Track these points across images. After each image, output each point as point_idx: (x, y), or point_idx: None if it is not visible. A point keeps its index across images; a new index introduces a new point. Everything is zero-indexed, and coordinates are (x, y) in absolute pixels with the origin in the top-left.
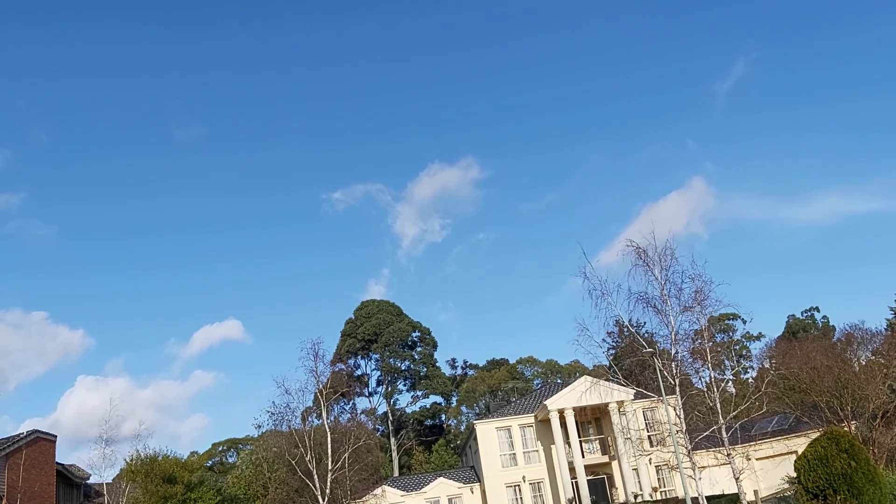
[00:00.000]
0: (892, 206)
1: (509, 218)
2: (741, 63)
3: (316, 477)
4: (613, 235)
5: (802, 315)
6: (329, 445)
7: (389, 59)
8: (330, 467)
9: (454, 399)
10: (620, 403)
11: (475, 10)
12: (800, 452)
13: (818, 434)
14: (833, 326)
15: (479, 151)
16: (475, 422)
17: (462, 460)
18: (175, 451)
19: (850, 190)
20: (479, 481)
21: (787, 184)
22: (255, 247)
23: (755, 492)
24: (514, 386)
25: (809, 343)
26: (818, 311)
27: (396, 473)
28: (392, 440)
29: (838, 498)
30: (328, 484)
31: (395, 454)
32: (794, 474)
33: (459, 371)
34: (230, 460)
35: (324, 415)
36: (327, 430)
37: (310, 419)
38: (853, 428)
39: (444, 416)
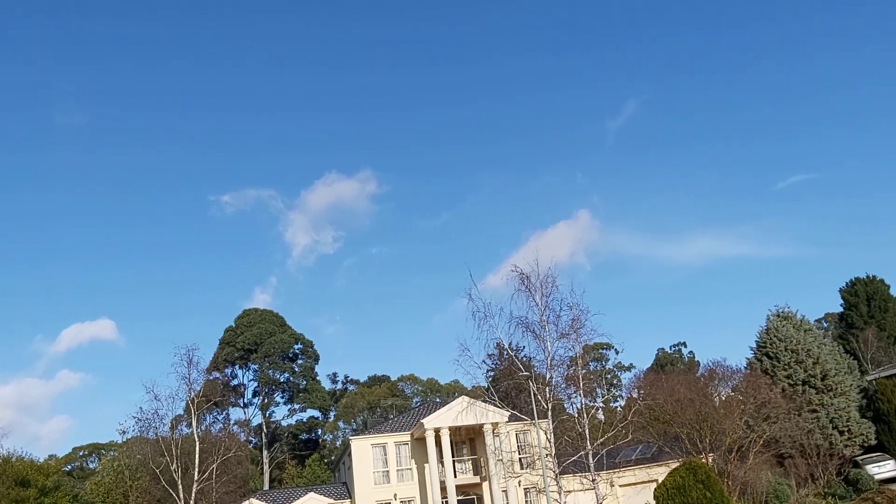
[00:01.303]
0: (757, 251)
1: (404, 235)
2: (633, 103)
3: (181, 487)
4: (502, 259)
5: (671, 349)
6: (197, 455)
7: (292, 63)
8: (196, 478)
9: (332, 414)
10: (495, 425)
11: (391, 29)
12: (660, 481)
13: (678, 464)
14: (698, 361)
15: (378, 166)
16: (351, 437)
17: (335, 476)
18: (32, 453)
19: (721, 233)
20: (351, 498)
21: (666, 223)
22: (135, 245)
23: None
24: (393, 403)
25: (675, 376)
26: (685, 346)
27: (267, 487)
28: (265, 453)
29: None
30: (192, 495)
31: (266, 467)
32: (654, 502)
33: (340, 386)
34: (91, 466)
35: (194, 424)
36: (196, 439)
37: (179, 427)
38: (710, 460)
39: (320, 431)
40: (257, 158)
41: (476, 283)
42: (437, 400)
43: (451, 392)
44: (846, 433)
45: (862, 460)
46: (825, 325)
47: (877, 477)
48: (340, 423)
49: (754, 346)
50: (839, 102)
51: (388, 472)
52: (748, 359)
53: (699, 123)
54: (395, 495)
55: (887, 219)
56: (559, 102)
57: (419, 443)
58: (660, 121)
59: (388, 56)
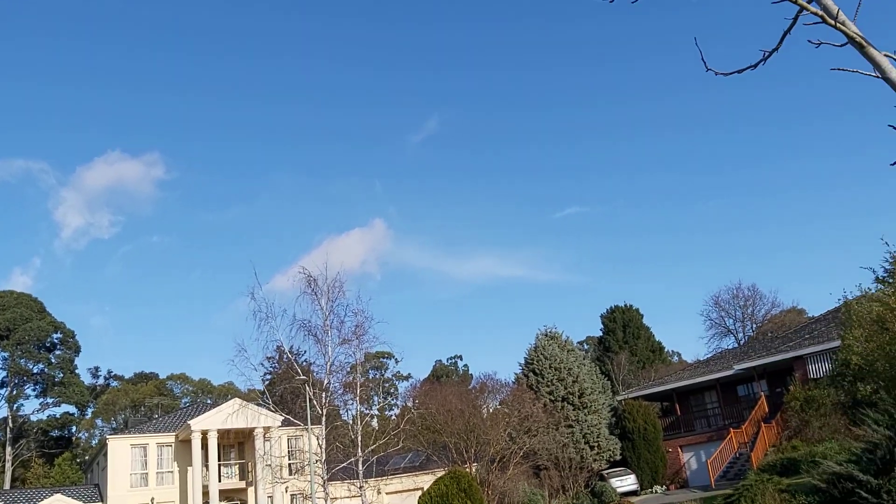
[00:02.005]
0: (533, 274)
1: (188, 226)
2: (435, 120)
3: None
4: (291, 261)
5: (447, 361)
6: None
7: (77, 34)
8: None
9: (90, 410)
10: (266, 429)
11: (194, 14)
12: (425, 489)
13: (443, 473)
14: (471, 374)
15: (169, 150)
16: (109, 437)
17: (87, 477)
18: None
19: (503, 255)
20: (102, 501)
21: (453, 240)
22: None
23: None
24: (160, 402)
25: (449, 387)
26: (461, 358)
27: (7, 486)
28: (8, 449)
29: None
30: None
31: (9, 465)
32: None
33: (102, 381)
34: None
35: None
36: None
37: None
38: (474, 469)
39: (74, 428)
40: (30, 125)
41: (262, 283)
42: (208, 401)
43: (224, 394)
44: (596, 448)
45: (607, 474)
46: (586, 346)
47: (619, 490)
48: (99, 422)
49: (523, 362)
50: (619, 146)
51: (147, 474)
52: (516, 374)
53: (495, 145)
54: (153, 499)
55: (645, 254)
56: (365, 109)
57: (184, 445)
58: (457, 141)
59: (190, 42)
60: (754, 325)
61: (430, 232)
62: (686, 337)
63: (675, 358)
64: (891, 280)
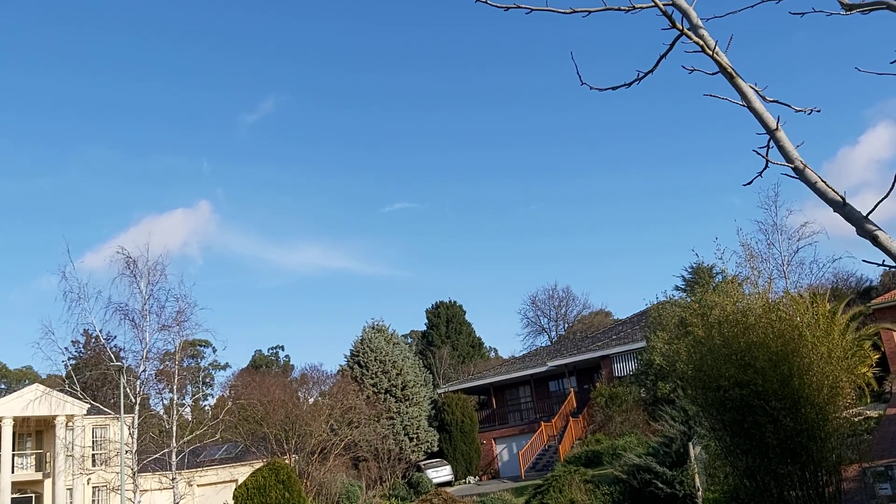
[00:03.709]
0: (360, 267)
1: None
2: (271, 101)
3: None
4: (106, 238)
5: (268, 352)
6: None
7: None
8: None
9: None
10: (70, 417)
11: None
12: (241, 481)
13: (262, 464)
14: (293, 365)
15: None
16: None
17: None
18: None
19: (330, 245)
20: None
21: (279, 228)
22: None
23: None
24: None
25: (271, 378)
26: (283, 349)
27: None
28: None
29: None
30: None
31: None
32: (232, 502)
33: None
34: None
35: None
36: None
37: None
38: (294, 461)
39: None
40: None
41: (72, 259)
42: (3, 386)
43: (20, 379)
44: (415, 440)
45: (424, 465)
46: (410, 340)
47: (435, 480)
48: None
49: (348, 354)
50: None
51: None
52: (341, 366)
53: (328, 137)
54: None
55: (469, 253)
56: (195, 86)
57: None
58: (291, 128)
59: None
60: (566, 325)
61: (257, 219)
62: (504, 334)
63: (493, 353)
64: (692, 287)
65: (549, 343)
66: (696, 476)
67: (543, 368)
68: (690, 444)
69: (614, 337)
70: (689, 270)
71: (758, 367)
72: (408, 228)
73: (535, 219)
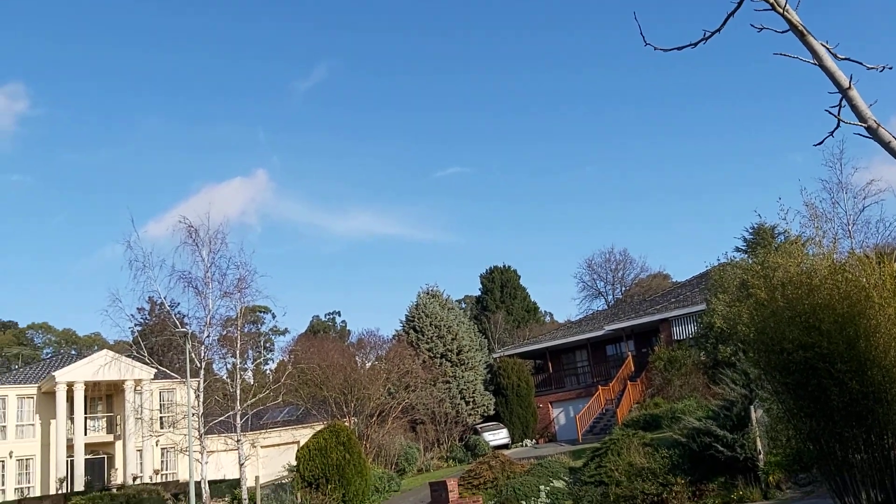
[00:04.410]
0: (413, 233)
1: (51, 166)
2: (323, 67)
3: None
4: (167, 207)
5: (325, 317)
6: None
7: None
8: None
9: None
10: (138, 382)
11: None
12: (303, 443)
13: (322, 426)
14: (350, 330)
15: (34, 82)
16: None
17: None
18: None
19: (382, 211)
20: None
21: (333, 194)
22: None
23: (256, 477)
24: (20, 353)
25: (328, 343)
26: (339, 314)
27: None
28: None
29: (329, 487)
30: None
31: None
32: (295, 462)
33: None
34: None
35: None
36: None
37: None
38: (353, 423)
39: None
40: None
41: (136, 229)
42: (73, 353)
43: (90, 344)
44: (472, 403)
45: (481, 428)
46: (464, 305)
47: (492, 443)
48: None
49: (404, 319)
50: (499, 105)
51: (5, 426)
52: (397, 331)
53: (381, 96)
54: (11, 453)
55: (524, 216)
56: (249, 56)
57: (47, 397)
58: (343, 94)
59: None
60: (624, 288)
61: (311, 186)
62: (560, 298)
63: (549, 318)
64: (754, 249)
65: (606, 307)
66: (758, 439)
67: (600, 332)
68: (752, 407)
69: (673, 300)
70: (751, 231)
71: (823, 329)
72: (461, 193)
73: (591, 181)
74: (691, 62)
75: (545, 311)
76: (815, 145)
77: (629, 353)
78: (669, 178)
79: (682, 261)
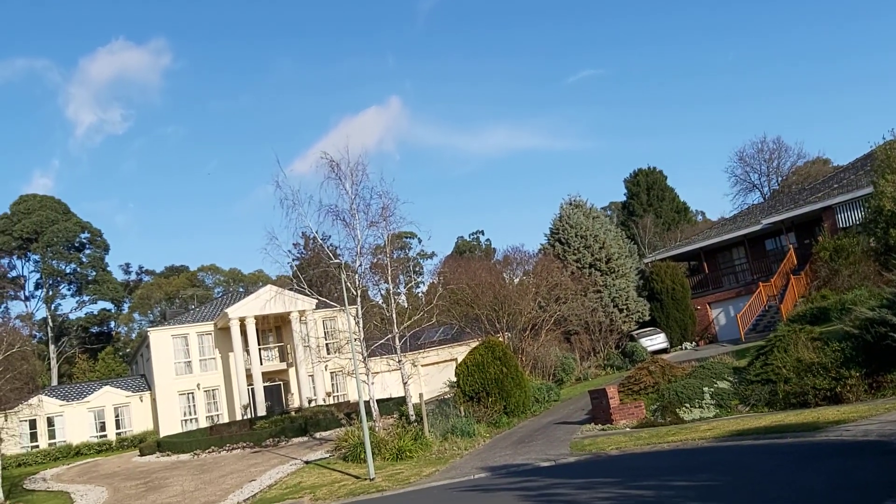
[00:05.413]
0: (550, 143)
1: (200, 114)
2: None
3: None
4: (309, 144)
5: (470, 237)
6: None
7: None
8: None
9: (126, 306)
10: (302, 313)
11: None
12: (460, 360)
13: (477, 343)
14: (495, 248)
15: (175, 36)
16: (149, 329)
17: (132, 369)
18: None
19: (516, 125)
20: (150, 389)
21: (464, 113)
22: None
23: (420, 394)
24: (194, 294)
25: (475, 262)
26: (483, 234)
27: (55, 382)
28: (52, 347)
29: (490, 400)
30: None
31: (54, 362)
32: (455, 379)
33: (134, 277)
34: None
35: None
36: None
37: None
38: (506, 338)
39: (113, 324)
40: (23, 18)
41: (283, 169)
42: (241, 290)
43: (254, 282)
44: (625, 311)
45: (637, 334)
46: (610, 212)
47: (649, 349)
48: (136, 315)
49: (548, 232)
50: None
51: (190, 362)
52: (542, 244)
53: (501, 7)
54: (199, 385)
55: (664, 112)
56: None
57: (223, 332)
58: (466, 4)
59: None
60: (780, 179)
61: (442, 108)
62: (711, 196)
63: (700, 217)
64: None
65: (762, 200)
66: None
67: (758, 227)
68: None
69: (836, 185)
70: None
71: None
72: (594, 98)
73: (733, 69)
74: None
75: (696, 211)
76: None
77: (790, 245)
78: (831, 68)
79: (844, 143)
